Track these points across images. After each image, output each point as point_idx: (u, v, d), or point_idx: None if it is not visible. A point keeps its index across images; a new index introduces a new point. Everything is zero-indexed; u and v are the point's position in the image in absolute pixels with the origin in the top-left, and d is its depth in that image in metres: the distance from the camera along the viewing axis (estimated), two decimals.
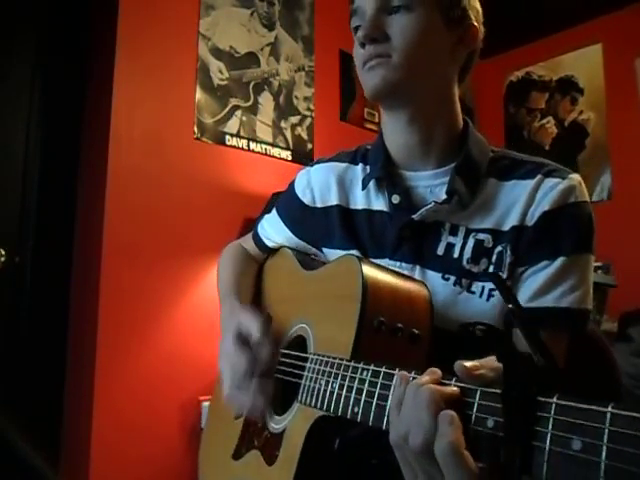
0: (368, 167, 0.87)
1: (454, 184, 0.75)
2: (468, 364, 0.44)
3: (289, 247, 0.96)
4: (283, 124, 2.36)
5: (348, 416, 0.57)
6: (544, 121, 3.22)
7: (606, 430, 0.33)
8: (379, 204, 0.83)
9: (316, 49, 2.54)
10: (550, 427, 0.36)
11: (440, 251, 0.76)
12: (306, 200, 0.93)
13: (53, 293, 1.88)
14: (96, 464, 1.67)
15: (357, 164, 0.90)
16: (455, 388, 0.44)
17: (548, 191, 0.73)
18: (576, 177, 0.75)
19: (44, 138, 1.90)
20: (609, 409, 0.33)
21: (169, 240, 1.92)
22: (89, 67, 2.01)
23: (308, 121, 2.47)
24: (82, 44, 2.01)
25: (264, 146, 2.26)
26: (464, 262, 0.75)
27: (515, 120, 3.31)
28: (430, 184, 0.80)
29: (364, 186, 0.85)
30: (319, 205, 0.91)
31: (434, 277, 0.76)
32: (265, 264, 1.04)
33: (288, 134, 2.37)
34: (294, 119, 2.41)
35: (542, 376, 0.38)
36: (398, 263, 0.77)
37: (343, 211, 0.87)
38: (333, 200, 0.88)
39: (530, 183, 0.74)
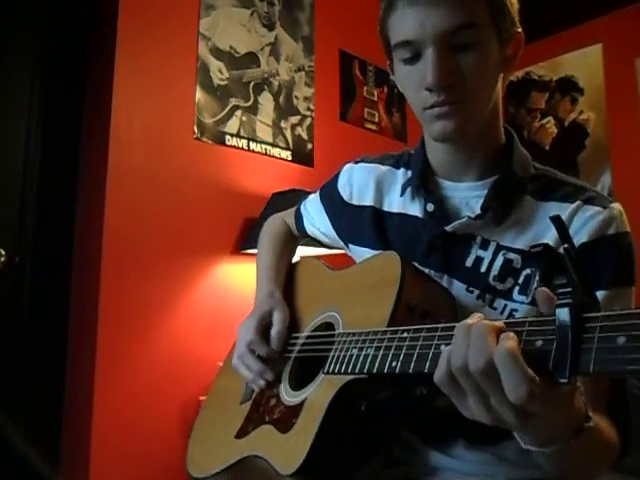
0: (409, 172, 0.87)
1: (490, 200, 0.75)
2: (547, 290, 0.47)
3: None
4: (283, 124, 2.36)
5: (385, 371, 0.58)
6: (544, 121, 3.22)
7: None
8: (414, 209, 0.83)
9: (316, 49, 2.54)
10: (597, 332, 0.41)
11: (469, 263, 0.76)
12: (345, 195, 0.95)
13: (53, 293, 1.88)
14: (96, 463, 1.67)
15: (399, 168, 0.90)
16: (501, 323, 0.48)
17: (587, 220, 0.71)
18: (617, 206, 0.73)
19: (44, 138, 1.89)
20: None
21: (169, 240, 1.92)
22: (89, 67, 2.01)
23: (308, 121, 2.47)
24: (82, 44, 2.01)
25: (264, 146, 2.26)
26: (490, 278, 0.74)
27: (515, 120, 3.31)
28: (467, 196, 0.79)
29: (402, 192, 0.85)
30: (355, 203, 0.93)
31: (459, 287, 0.76)
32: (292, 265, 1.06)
33: (288, 134, 2.37)
34: (294, 119, 2.41)
35: (587, 306, 0.43)
36: (427, 270, 0.78)
37: (376, 213, 0.88)
38: (368, 201, 0.90)
39: (568, 208, 0.72)
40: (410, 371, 0.55)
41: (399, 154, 0.93)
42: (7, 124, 1.84)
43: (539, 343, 0.45)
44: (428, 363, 0.53)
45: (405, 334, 0.58)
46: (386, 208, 0.88)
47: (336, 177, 0.99)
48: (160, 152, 1.93)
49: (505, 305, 0.73)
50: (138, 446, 1.76)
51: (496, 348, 0.44)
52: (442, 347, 0.52)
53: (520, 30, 0.76)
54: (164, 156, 1.94)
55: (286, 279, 1.00)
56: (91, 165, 1.92)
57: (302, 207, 1.06)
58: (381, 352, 0.60)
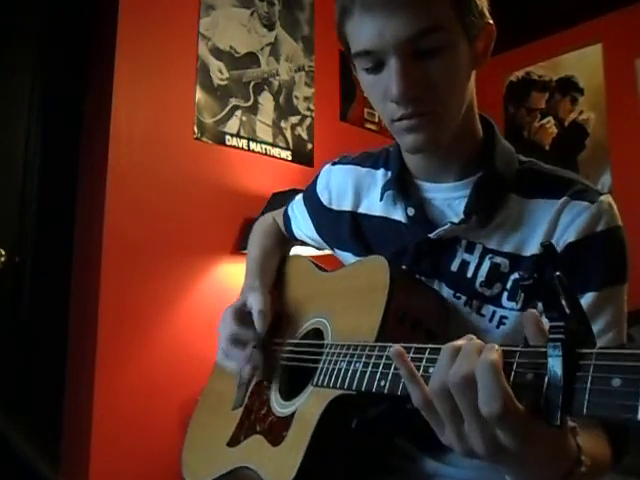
0: (389, 173, 0.83)
1: (473, 204, 0.71)
2: (536, 313, 0.45)
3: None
4: (283, 124, 2.36)
5: (373, 389, 0.57)
6: (544, 121, 3.22)
7: None
8: (396, 214, 0.80)
9: (316, 49, 2.54)
10: (591, 371, 0.39)
11: (454, 267, 0.73)
12: (324, 200, 0.92)
13: (53, 293, 1.88)
14: (96, 463, 1.67)
15: (378, 168, 0.86)
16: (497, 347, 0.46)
17: (574, 217, 0.67)
18: (606, 199, 0.69)
19: (44, 138, 1.89)
20: None
21: (169, 240, 1.92)
22: (89, 67, 2.00)
23: (308, 121, 2.47)
24: (82, 44, 2.01)
25: (264, 146, 2.26)
26: (477, 284, 0.71)
27: (515, 120, 3.31)
28: (448, 197, 0.76)
29: (382, 196, 0.82)
30: (334, 207, 0.90)
31: (447, 293, 0.74)
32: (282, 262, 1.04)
33: (288, 134, 2.37)
34: (294, 119, 2.41)
35: (582, 336, 0.41)
36: (416, 276, 0.75)
37: (355, 218, 0.86)
38: (347, 205, 0.87)
39: (554, 204, 0.69)
40: (399, 393, 0.53)
41: (378, 152, 0.89)
42: (7, 124, 1.84)
43: (529, 377, 0.43)
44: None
45: None
46: (365, 211, 0.85)
47: (316, 180, 0.96)
48: (160, 152, 1.93)
49: (494, 312, 0.70)
50: (138, 445, 1.76)
51: (478, 360, 0.43)
52: (430, 370, 0.50)
53: (490, 21, 0.70)
54: (164, 156, 1.94)
55: (276, 277, 0.97)
56: (91, 165, 1.92)
57: (289, 209, 1.03)
58: (369, 369, 0.59)
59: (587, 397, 0.38)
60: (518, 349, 0.45)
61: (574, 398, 0.39)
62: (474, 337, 0.48)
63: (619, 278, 0.68)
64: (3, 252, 1.76)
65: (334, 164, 0.94)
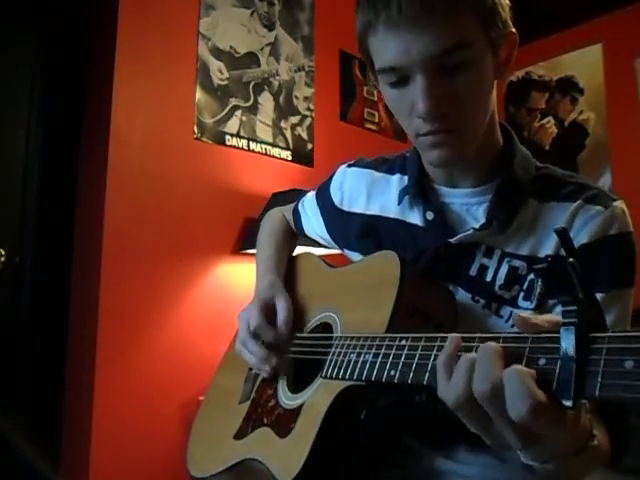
0: (405, 178, 0.84)
1: (495, 210, 0.72)
2: (524, 314, 0.46)
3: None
4: (283, 124, 2.36)
5: (383, 379, 0.57)
6: (544, 121, 3.22)
7: None
8: (413, 218, 0.80)
9: (316, 49, 2.54)
10: (604, 354, 0.39)
11: (473, 272, 0.74)
12: (336, 200, 0.93)
13: (53, 293, 1.88)
14: (96, 463, 1.67)
15: (394, 174, 0.87)
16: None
17: (588, 220, 0.69)
18: (620, 205, 0.71)
19: (44, 138, 1.89)
20: None
21: (169, 240, 1.92)
22: (89, 67, 2.00)
23: (308, 121, 2.47)
24: (82, 44, 2.01)
25: (264, 146, 2.26)
26: (496, 287, 0.72)
27: (515, 120, 3.31)
28: (467, 202, 0.76)
29: (400, 200, 0.82)
30: (345, 209, 0.91)
31: (464, 296, 0.74)
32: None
33: (288, 134, 2.37)
34: (294, 119, 2.41)
35: (593, 323, 0.41)
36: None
37: (366, 221, 0.86)
38: (359, 208, 0.88)
39: (569, 207, 0.70)
40: (409, 381, 0.54)
41: (394, 158, 0.90)
42: (7, 124, 1.84)
43: (542, 362, 0.43)
44: (427, 375, 0.52)
45: (404, 342, 0.57)
46: (379, 213, 0.85)
47: (330, 179, 0.97)
48: (160, 152, 1.93)
49: (511, 312, 0.71)
50: (138, 446, 1.76)
51: (501, 370, 0.43)
52: None
53: (513, 30, 0.70)
54: (164, 156, 1.94)
55: (285, 273, 0.98)
56: (91, 165, 1.92)
57: (300, 206, 1.04)
58: (379, 359, 0.59)
59: (600, 380, 0.38)
60: (530, 336, 0.45)
61: (587, 381, 0.39)
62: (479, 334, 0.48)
63: (627, 281, 0.69)
64: (3, 252, 1.76)
65: (350, 166, 0.94)
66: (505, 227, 0.72)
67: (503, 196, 0.72)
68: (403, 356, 0.56)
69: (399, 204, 0.82)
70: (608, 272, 0.67)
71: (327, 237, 0.98)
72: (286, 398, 0.77)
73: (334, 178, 0.96)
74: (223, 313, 1.98)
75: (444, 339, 0.51)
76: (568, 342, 0.41)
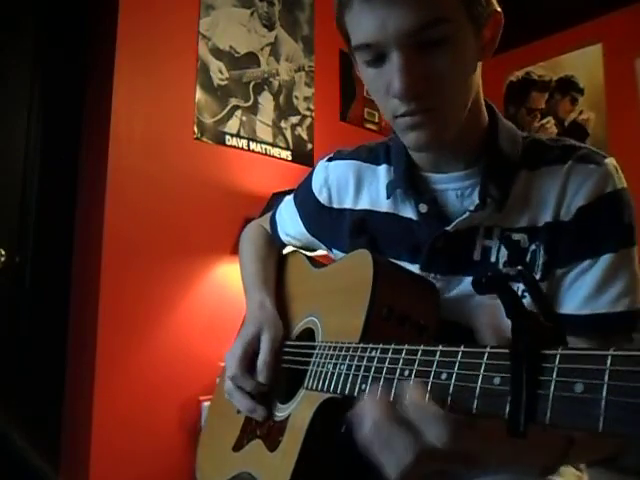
0: (392, 169, 0.80)
1: (487, 188, 0.69)
2: (415, 397, 0.45)
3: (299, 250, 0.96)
4: (283, 124, 2.36)
5: (355, 394, 0.56)
6: (544, 121, 3.22)
7: (607, 370, 0.33)
8: (406, 211, 0.77)
9: (316, 49, 2.54)
10: (554, 375, 0.36)
11: (477, 256, 0.71)
12: (322, 199, 0.87)
13: (53, 293, 1.88)
14: (96, 464, 1.67)
15: (380, 164, 0.82)
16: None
17: (582, 181, 0.67)
18: (611, 162, 0.69)
19: (44, 138, 1.90)
20: (610, 352, 0.33)
21: (169, 240, 1.92)
22: (89, 67, 2.01)
23: (308, 121, 2.47)
24: (82, 44, 2.01)
25: (264, 146, 2.26)
26: (501, 265, 0.70)
27: (515, 120, 3.31)
28: (460, 186, 0.73)
29: (389, 194, 0.78)
30: (335, 206, 0.86)
31: (470, 283, 0.72)
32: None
33: (288, 134, 2.37)
34: (294, 119, 2.41)
35: (547, 334, 0.38)
36: (432, 274, 0.72)
37: (358, 216, 0.82)
38: (349, 203, 0.84)
39: (560, 170, 0.68)
40: (378, 397, 0.52)
41: (376, 146, 0.85)
42: (7, 124, 1.84)
43: (497, 381, 0.40)
44: (393, 391, 0.50)
45: (374, 353, 0.55)
46: (370, 207, 0.81)
47: (309, 179, 0.91)
48: (160, 152, 1.93)
49: (517, 288, 0.68)
50: (138, 446, 1.76)
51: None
52: (406, 372, 0.49)
53: (498, 9, 0.66)
54: (164, 156, 1.94)
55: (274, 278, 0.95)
56: (91, 165, 1.92)
57: (277, 214, 0.99)
58: (352, 372, 0.58)
59: (550, 404, 0.35)
60: (486, 350, 0.42)
61: (538, 404, 0.36)
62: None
63: (631, 240, 0.67)
64: (3, 252, 1.76)
65: (330, 160, 0.89)
66: (501, 205, 0.70)
67: (493, 173, 0.70)
68: (372, 369, 0.54)
69: (388, 197, 0.79)
70: (613, 232, 0.66)
71: (308, 238, 0.93)
72: (276, 409, 0.76)
73: (314, 177, 0.90)
74: (223, 313, 1.98)
75: (410, 352, 0.50)
76: (518, 362, 0.38)
